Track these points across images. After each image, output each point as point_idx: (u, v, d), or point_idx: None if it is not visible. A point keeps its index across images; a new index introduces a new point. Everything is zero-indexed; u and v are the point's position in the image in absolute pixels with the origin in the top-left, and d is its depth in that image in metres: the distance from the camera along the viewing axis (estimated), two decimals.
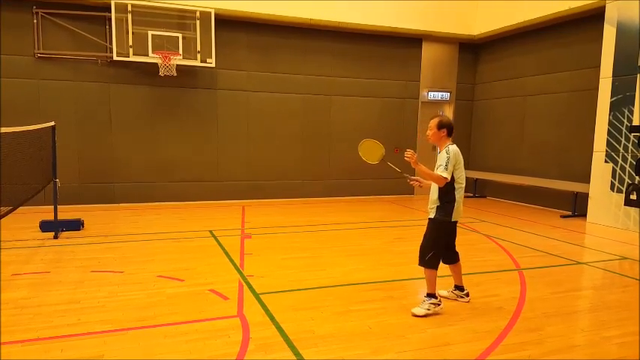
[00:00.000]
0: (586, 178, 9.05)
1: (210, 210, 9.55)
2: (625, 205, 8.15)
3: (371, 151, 4.41)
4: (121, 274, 5.15)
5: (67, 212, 8.05)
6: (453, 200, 4.05)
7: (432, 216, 4.15)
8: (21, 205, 5.74)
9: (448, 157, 3.95)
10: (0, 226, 4.87)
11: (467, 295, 4.39)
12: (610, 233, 7.88)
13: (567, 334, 3.80)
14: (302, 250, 6.46)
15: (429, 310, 4.07)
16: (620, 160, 8.28)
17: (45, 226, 7.04)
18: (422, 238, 4.21)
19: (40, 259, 5.73)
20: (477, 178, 12.20)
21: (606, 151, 8.51)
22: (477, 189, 12.30)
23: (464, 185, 4.11)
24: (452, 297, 4.42)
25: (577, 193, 9.36)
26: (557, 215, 9.52)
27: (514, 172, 11.18)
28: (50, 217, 7.00)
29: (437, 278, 4.14)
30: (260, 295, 4.52)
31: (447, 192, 4.04)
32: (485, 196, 12.22)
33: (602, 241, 7.37)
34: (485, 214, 9.52)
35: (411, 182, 4.29)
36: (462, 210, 4.17)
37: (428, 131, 4.18)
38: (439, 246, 4.13)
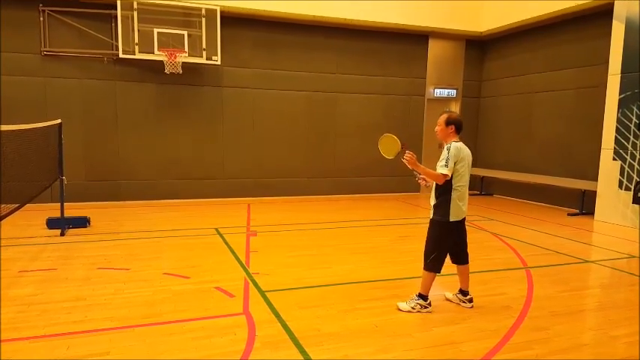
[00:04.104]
0: (594, 176, 8.98)
1: (215, 207, 9.57)
2: (633, 202, 8.07)
3: (389, 147, 4.30)
4: (127, 271, 5.16)
5: (73, 209, 8.09)
6: (449, 199, 3.95)
7: (430, 216, 4.11)
8: (28, 202, 5.77)
9: (448, 154, 3.88)
10: (0, 225, 4.90)
11: (470, 300, 4.24)
12: (618, 231, 7.82)
13: (574, 333, 3.77)
14: (308, 248, 6.45)
15: (413, 308, 4.06)
16: (628, 158, 8.20)
17: (52, 224, 7.08)
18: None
19: (46, 256, 5.76)
20: (483, 176, 12.14)
21: (614, 148, 8.43)
22: (483, 187, 12.24)
23: (464, 184, 3.98)
24: (455, 300, 4.33)
25: (585, 190, 9.29)
26: (565, 213, 9.46)
27: (521, 169, 11.11)
28: (57, 214, 7.04)
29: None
30: (266, 293, 4.51)
31: (443, 190, 3.97)
32: (492, 194, 12.15)
33: (610, 239, 7.31)
34: (492, 212, 9.47)
35: (418, 180, 4.23)
36: (464, 209, 4.05)
37: (436, 127, 4.13)
38: (442, 248, 4.05)
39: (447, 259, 4.23)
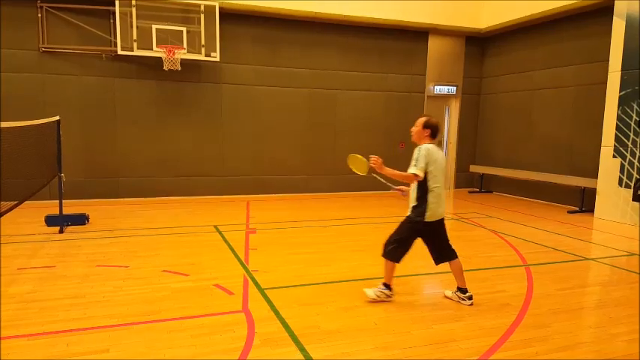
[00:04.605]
0: (594, 173, 8.97)
1: (214, 205, 9.55)
2: (633, 200, 8.06)
3: (358, 166, 4.46)
4: (126, 268, 5.15)
5: (72, 207, 8.08)
6: (426, 201, 4.06)
7: (407, 214, 4.22)
8: (26, 199, 5.75)
9: (419, 154, 3.99)
10: (0, 222, 4.89)
11: (469, 298, 4.25)
12: (618, 229, 7.81)
13: (574, 330, 3.77)
14: (307, 246, 6.44)
15: (378, 296, 4.24)
16: (628, 155, 8.19)
17: (50, 221, 7.06)
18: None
19: (45, 253, 5.75)
20: (483, 173, 12.13)
21: (614, 145, 8.42)
22: (483, 184, 12.23)
23: (439, 185, 4.08)
24: (454, 298, 4.34)
25: (584, 188, 9.28)
26: (565, 211, 9.45)
27: (521, 166, 11.10)
28: (55, 211, 7.02)
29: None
30: (265, 290, 4.51)
31: (421, 192, 4.08)
32: (491, 192, 12.15)
33: (610, 236, 7.31)
34: (492, 210, 9.47)
35: (395, 191, 4.35)
36: (440, 211, 4.14)
37: (413, 127, 4.22)
38: (404, 242, 4.17)
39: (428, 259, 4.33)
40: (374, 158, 3.98)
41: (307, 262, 5.57)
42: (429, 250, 4.30)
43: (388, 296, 4.27)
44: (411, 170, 3.97)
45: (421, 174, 3.95)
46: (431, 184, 4.03)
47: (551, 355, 3.30)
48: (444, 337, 3.58)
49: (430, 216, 4.08)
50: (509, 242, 6.71)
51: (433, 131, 4.11)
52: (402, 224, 4.23)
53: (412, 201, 4.17)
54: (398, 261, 4.21)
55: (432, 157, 4.00)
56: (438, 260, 4.31)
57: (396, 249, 4.17)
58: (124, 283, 4.66)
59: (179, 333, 3.55)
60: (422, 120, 4.16)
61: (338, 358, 3.22)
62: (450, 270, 4.35)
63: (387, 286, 4.27)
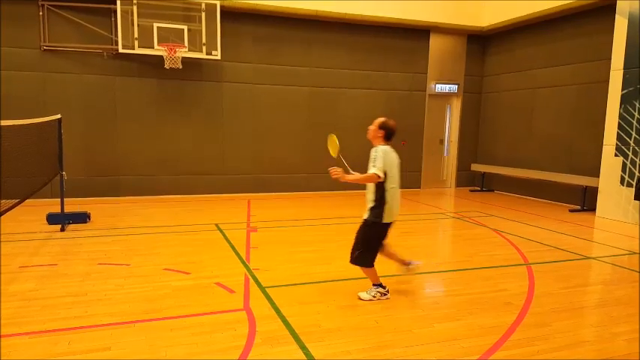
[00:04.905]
0: (595, 172, 8.95)
1: (215, 203, 9.56)
2: (635, 199, 8.05)
3: (332, 146, 4.53)
4: (128, 266, 5.16)
5: (73, 205, 8.08)
6: (384, 202, 4.09)
7: (365, 216, 4.21)
8: (28, 197, 5.75)
9: (376, 155, 4.05)
10: (0, 220, 4.90)
11: (413, 263, 4.48)
12: (619, 228, 7.80)
13: (576, 329, 3.77)
14: (308, 244, 6.45)
15: (374, 296, 4.26)
16: (630, 154, 8.17)
17: (52, 219, 7.07)
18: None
19: (47, 251, 5.75)
20: (484, 172, 12.12)
21: (616, 144, 8.40)
22: (484, 183, 12.21)
23: (395, 186, 4.14)
24: (409, 273, 4.52)
25: (586, 187, 9.26)
26: (566, 209, 9.44)
27: (522, 165, 11.08)
28: (57, 209, 7.03)
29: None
30: (266, 289, 4.51)
31: (379, 193, 4.10)
32: (492, 190, 12.13)
33: (612, 235, 7.29)
34: (493, 208, 9.46)
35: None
36: (396, 211, 4.20)
37: (370, 126, 4.28)
38: (369, 246, 4.20)
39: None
40: (333, 170, 4.09)
41: (308, 261, 5.57)
42: None
43: (384, 294, 4.27)
44: (372, 170, 4.02)
45: (382, 174, 4.00)
46: (388, 184, 4.08)
47: (553, 354, 3.30)
48: (445, 335, 3.57)
49: (387, 217, 4.14)
50: (511, 241, 6.70)
51: (387, 133, 4.17)
52: (362, 228, 4.24)
53: (369, 202, 4.18)
54: (370, 265, 4.24)
55: (387, 158, 4.06)
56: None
57: (362, 254, 4.20)
58: (125, 282, 4.66)
59: (180, 331, 3.55)
60: (379, 120, 4.23)
61: (339, 357, 3.22)
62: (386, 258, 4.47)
63: (379, 285, 4.29)
